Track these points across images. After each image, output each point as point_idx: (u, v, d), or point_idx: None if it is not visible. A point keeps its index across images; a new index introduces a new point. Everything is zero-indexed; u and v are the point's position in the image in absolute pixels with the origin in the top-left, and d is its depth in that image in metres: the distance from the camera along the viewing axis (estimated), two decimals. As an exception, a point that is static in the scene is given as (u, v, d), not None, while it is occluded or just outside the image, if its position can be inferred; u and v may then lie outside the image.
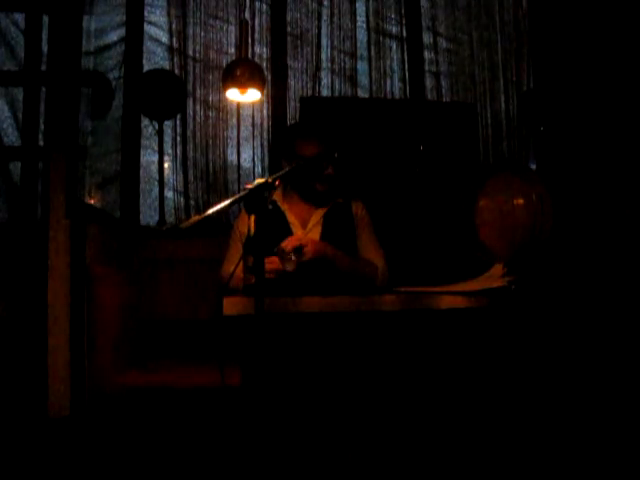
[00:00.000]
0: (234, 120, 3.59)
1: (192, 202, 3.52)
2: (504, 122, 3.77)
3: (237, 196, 1.39)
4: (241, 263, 1.66)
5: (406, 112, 3.23)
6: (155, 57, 3.60)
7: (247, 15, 3.60)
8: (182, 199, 3.52)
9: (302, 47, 3.67)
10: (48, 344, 2.21)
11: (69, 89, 2.44)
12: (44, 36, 3.11)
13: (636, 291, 1.78)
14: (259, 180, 1.41)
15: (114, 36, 3.53)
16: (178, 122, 3.52)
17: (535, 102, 3.65)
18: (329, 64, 3.70)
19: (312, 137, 2.01)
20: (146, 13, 3.57)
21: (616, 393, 1.69)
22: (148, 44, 3.58)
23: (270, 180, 1.43)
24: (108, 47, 3.53)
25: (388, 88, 3.75)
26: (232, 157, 3.60)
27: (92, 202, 3.47)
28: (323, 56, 3.70)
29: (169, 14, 3.55)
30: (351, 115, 3.09)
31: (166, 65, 3.55)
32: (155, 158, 3.49)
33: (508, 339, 1.66)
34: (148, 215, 3.55)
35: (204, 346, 2.53)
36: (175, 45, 3.55)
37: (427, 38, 3.80)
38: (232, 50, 3.58)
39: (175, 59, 3.54)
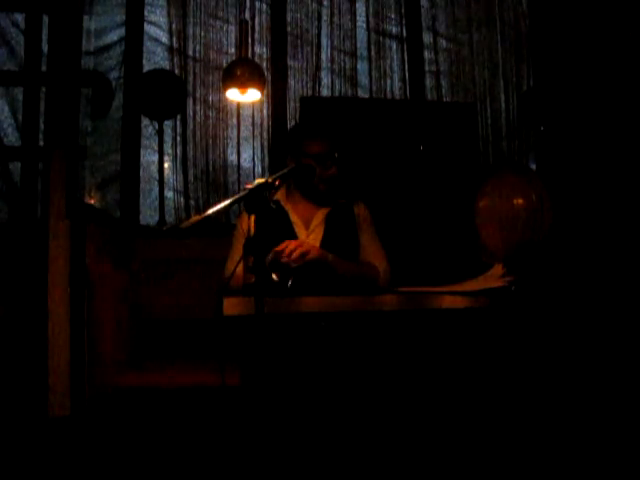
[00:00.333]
0: (234, 120, 3.59)
1: (192, 202, 3.52)
2: (504, 122, 3.78)
3: (237, 196, 1.39)
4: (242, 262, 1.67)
5: (406, 112, 3.23)
6: (155, 57, 3.60)
7: (247, 15, 3.60)
8: (182, 199, 3.52)
9: (302, 47, 3.67)
10: (48, 344, 2.21)
11: (69, 89, 2.44)
12: (44, 36, 3.11)
13: (636, 291, 1.78)
14: (259, 180, 1.41)
15: (114, 36, 3.53)
16: (178, 122, 3.52)
17: (535, 102, 3.65)
18: (329, 64, 3.70)
19: (320, 135, 2.02)
20: (146, 13, 3.57)
21: (616, 392, 1.69)
22: (148, 44, 3.58)
23: (270, 180, 1.43)
24: (108, 47, 3.53)
25: (388, 88, 3.75)
26: (232, 157, 3.60)
27: (92, 202, 3.47)
28: (323, 56, 3.70)
29: (169, 14, 3.55)
30: (351, 115, 3.09)
31: (166, 65, 3.55)
32: (155, 158, 3.49)
33: (508, 339, 1.66)
34: (148, 215, 3.55)
35: (204, 346, 2.53)
36: (175, 45, 3.54)
37: (427, 38, 3.80)
38: (232, 50, 3.58)
39: (175, 59, 3.54)
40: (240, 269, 1.59)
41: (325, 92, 3.69)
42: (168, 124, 3.47)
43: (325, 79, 3.70)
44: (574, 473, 1.62)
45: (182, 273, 3.12)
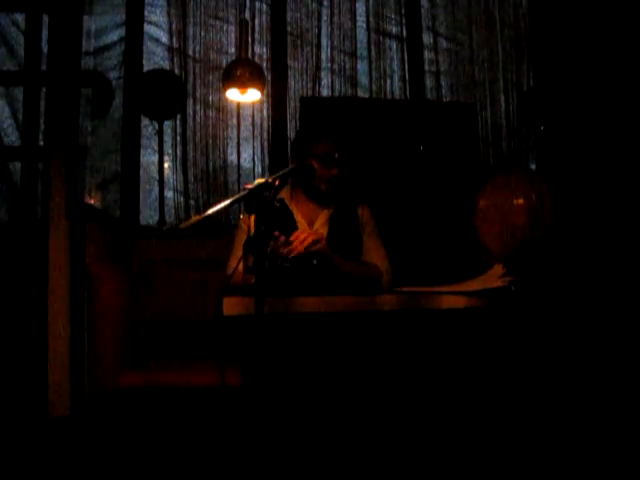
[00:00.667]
0: (234, 120, 3.59)
1: (192, 202, 3.52)
2: (504, 122, 3.77)
3: (237, 196, 1.40)
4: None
5: (406, 112, 3.23)
6: (155, 57, 3.60)
7: (247, 15, 3.60)
8: (182, 199, 3.52)
9: (302, 47, 3.67)
10: (48, 344, 2.21)
11: (69, 89, 2.44)
12: (44, 36, 3.11)
13: (636, 291, 1.78)
14: (259, 180, 1.41)
15: (114, 36, 3.53)
16: (178, 122, 3.52)
17: (535, 102, 3.65)
18: (329, 64, 3.70)
19: (325, 136, 2.04)
20: (146, 13, 3.57)
21: (616, 392, 1.69)
22: (148, 44, 3.58)
23: (270, 180, 1.43)
24: (108, 47, 3.53)
25: (388, 88, 3.75)
26: (232, 157, 3.60)
27: (92, 202, 3.47)
28: (323, 56, 3.70)
29: (169, 14, 3.55)
30: (351, 115, 3.09)
31: (166, 65, 3.55)
32: (155, 158, 3.49)
33: (508, 339, 1.66)
34: (148, 215, 3.56)
35: (204, 346, 2.53)
36: (175, 45, 3.54)
37: (427, 38, 3.80)
38: (232, 50, 3.58)
39: (175, 59, 3.54)
40: (241, 268, 1.59)
41: (325, 92, 3.69)
42: (168, 124, 3.47)
43: (325, 79, 3.70)
44: (574, 473, 1.62)
45: (182, 273, 3.12)
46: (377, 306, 1.57)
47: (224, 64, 3.46)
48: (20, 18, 3.30)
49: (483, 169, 3.37)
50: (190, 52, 3.56)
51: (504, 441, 1.63)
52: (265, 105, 3.59)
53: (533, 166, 3.76)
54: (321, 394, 1.58)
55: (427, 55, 3.79)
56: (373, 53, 3.75)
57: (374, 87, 3.74)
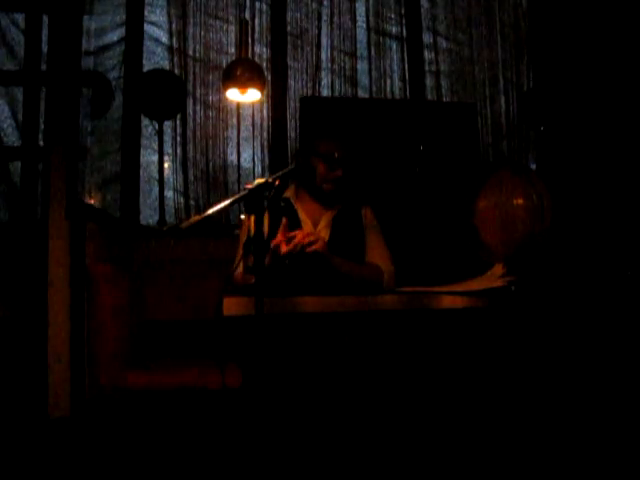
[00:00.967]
0: (234, 120, 3.59)
1: (192, 202, 3.52)
2: (504, 122, 3.78)
3: (237, 196, 1.39)
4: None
5: (406, 112, 3.22)
6: (155, 57, 3.60)
7: (247, 15, 3.60)
8: (182, 199, 3.52)
9: (302, 47, 3.67)
10: (48, 344, 2.21)
11: (69, 89, 2.44)
12: (44, 36, 3.11)
13: (636, 290, 1.78)
14: (259, 180, 1.41)
15: (114, 36, 3.53)
16: (178, 122, 3.52)
17: (535, 102, 3.64)
18: (329, 64, 3.70)
19: (332, 136, 2.04)
20: (146, 13, 3.57)
21: (616, 392, 1.69)
22: (148, 44, 3.58)
23: (270, 180, 1.43)
24: (108, 47, 3.52)
25: (388, 88, 3.75)
26: (232, 157, 3.60)
27: (92, 202, 3.47)
28: (323, 56, 3.70)
29: (169, 14, 3.55)
30: (351, 115, 3.09)
31: (166, 65, 3.55)
32: (155, 158, 3.49)
33: (508, 339, 1.66)
34: (148, 215, 3.55)
35: (204, 346, 2.53)
36: (175, 45, 3.54)
37: (427, 38, 3.80)
38: (232, 50, 3.58)
39: (175, 59, 3.54)
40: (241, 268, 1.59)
41: (325, 92, 3.69)
42: (168, 124, 3.47)
43: (325, 79, 3.70)
44: (574, 473, 1.62)
45: (182, 273, 3.12)
46: (377, 306, 1.57)
47: (224, 64, 3.46)
48: (20, 18, 3.30)
49: (483, 169, 3.37)
50: (190, 52, 3.56)
51: (504, 440, 1.63)
52: (265, 105, 3.59)
53: (533, 166, 3.76)
54: (321, 394, 1.58)
55: (427, 55, 3.79)
56: (373, 53, 3.75)
57: (374, 87, 3.74)
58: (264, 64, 3.57)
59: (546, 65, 3.61)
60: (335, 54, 3.71)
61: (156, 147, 3.45)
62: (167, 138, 3.47)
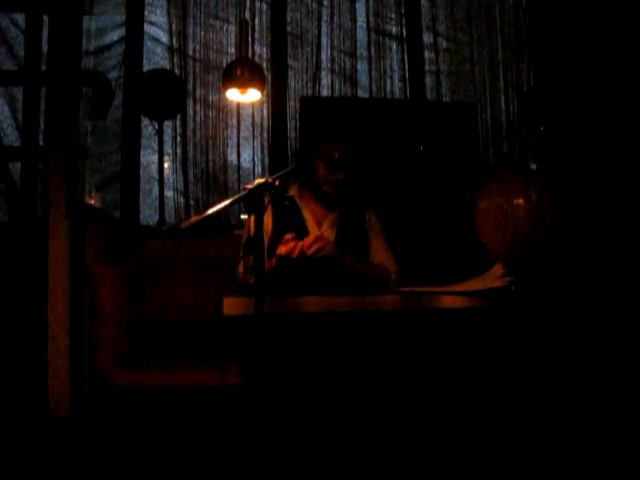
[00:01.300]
0: (234, 120, 3.59)
1: (192, 202, 3.52)
2: (504, 122, 3.78)
3: (237, 196, 1.39)
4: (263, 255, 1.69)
5: (406, 112, 3.22)
6: (155, 57, 3.61)
7: (247, 15, 3.60)
8: (182, 199, 3.52)
9: (302, 47, 3.67)
10: (48, 344, 2.21)
11: (69, 89, 2.44)
12: (44, 36, 3.11)
13: (636, 291, 1.78)
14: (259, 180, 1.41)
15: (114, 36, 3.53)
16: (178, 122, 3.52)
17: (535, 102, 3.65)
18: (329, 64, 3.70)
19: (335, 139, 2.05)
20: (146, 13, 3.57)
21: (616, 392, 1.69)
22: (148, 44, 3.58)
23: (270, 180, 1.43)
24: (108, 47, 3.53)
25: (388, 88, 3.75)
26: (232, 157, 3.60)
27: (92, 202, 3.47)
28: (323, 56, 3.70)
29: (169, 14, 3.56)
30: (351, 115, 3.09)
31: (166, 65, 3.55)
32: (155, 158, 3.50)
33: (508, 339, 1.66)
34: (148, 215, 3.56)
35: (204, 346, 2.53)
36: (175, 45, 3.55)
37: (427, 38, 3.80)
38: (232, 50, 3.58)
39: (175, 59, 3.54)
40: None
41: (325, 92, 3.70)
42: (168, 124, 3.48)
43: (325, 79, 3.71)
44: (574, 473, 1.62)
45: (182, 273, 3.12)
46: (377, 306, 1.57)
47: (224, 64, 3.46)
48: (20, 18, 3.30)
49: (483, 169, 3.37)
50: (190, 52, 3.56)
51: (504, 440, 1.63)
52: (265, 105, 3.60)
53: (533, 166, 3.76)
54: (321, 394, 1.58)
55: (427, 55, 3.80)
56: (373, 53, 3.75)
57: (374, 87, 3.74)
58: (264, 64, 3.57)
59: (546, 65, 3.61)
60: (335, 54, 3.71)
61: (156, 147, 3.46)
62: (167, 138, 3.48)
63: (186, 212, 3.51)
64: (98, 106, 3.40)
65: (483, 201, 2.35)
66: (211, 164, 3.55)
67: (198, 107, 3.55)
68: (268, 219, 2.03)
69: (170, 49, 3.55)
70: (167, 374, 2.28)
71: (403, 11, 3.79)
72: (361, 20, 3.76)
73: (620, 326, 1.72)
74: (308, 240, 1.77)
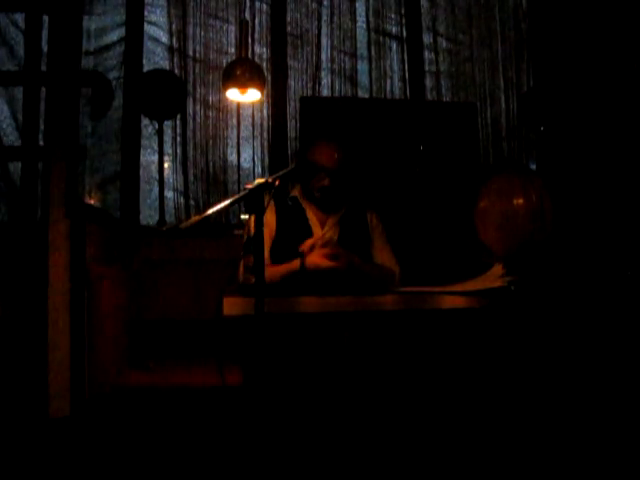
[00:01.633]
0: (234, 120, 3.59)
1: (192, 202, 3.52)
2: (504, 122, 3.78)
3: (237, 196, 1.39)
4: (267, 252, 1.78)
5: (406, 112, 3.22)
6: (155, 57, 3.60)
7: (247, 15, 3.60)
8: (182, 199, 3.52)
9: (302, 47, 3.67)
10: (48, 344, 2.21)
11: (69, 89, 2.44)
12: (44, 36, 3.11)
13: (636, 291, 1.78)
14: (259, 180, 1.41)
15: (114, 36, 3.53)
16: (178, 122, 3.52)
17: (535, 102, 3.64)
18: (329, 64, 3.70)
19: (326, 145, 2.04)
20: (146, 13, 3.57)
21: (616, 392, 1.69)
22: (148, 44, 3.58)
23: (270, 180, 1.43)
24: (108, 47, 3.53)
25: (388, 88, 3.75)
26: (232, 157, 3.60)
27: (92, 202, 3.47)
28: (323, 56, 3.70)
29: (169, 14, 3.55)
30: (351, 115, 3.09)
31: (166, 65, 3.55)
32: (155, 158, 3.49)
33: (508, 339, 1.66)
34: (148, 215, 3.56)
35: (204, 346, 2.53)
36: (175, 45, 3.55)
37: (427, 38, 3.80)
38: (232, 50, 3.58)
39: (175, 59, 3.54)
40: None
41: (325, 92, 3.69)
42: (168, 124, 3.47)
43: (325, 79, 3.70)
44: (574, 473, 1.62)
45: (182, 273, 3.12)
46: (377, 306, 1.57)
47: (224, 64, 3.46)
48: (20, 18, 3.29)
49: (483, 169, 3.37)
50: (190, 52, 3.56)
51: (504, 440, 1.63)
52: (265, 105, 3.59)
53: (533, 166, 3.76)
54: (321, 394, 1.58)
55: (427, 55, 3.79)
56: (373, 53, 3.75)
57: (374, 87, 3.74)
58: (264, 64, 3.57)
59: (546, 65, 3.61)
60: (335, 54, 3.71)
61: (156, 147, 3.45)
62: (167, 138, 3.48)
63: (186, 212, 3.51)
64: (98, 106, 3.40)
65: (483, 201, 2.34)
66: (211, 164, 3.55)
67: (198, 107, 3.55)
68: (271, 219, 2.03)
69: (170, 49, 3.55)
70: (167, 374, 2.28)
71: (403, 11, 3.79)
72: (361, 20, 3.76)
73: (620, 326, 1.72)
74: (324, 250, 1.81)
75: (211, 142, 3.55)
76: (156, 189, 3.47)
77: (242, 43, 3.37)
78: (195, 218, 1.40)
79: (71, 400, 2.19)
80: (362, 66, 3.75)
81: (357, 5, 3.75)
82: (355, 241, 2.08)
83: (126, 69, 3.48)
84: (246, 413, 1.36)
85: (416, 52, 3.77)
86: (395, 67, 3.77)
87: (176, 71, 3.51)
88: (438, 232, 2.87)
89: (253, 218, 1.36)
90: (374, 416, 1.60)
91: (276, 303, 1.48)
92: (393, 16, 3.79)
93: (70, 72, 2.45)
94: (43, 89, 3.13)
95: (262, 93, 3.37)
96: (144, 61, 3.54)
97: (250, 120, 3.61)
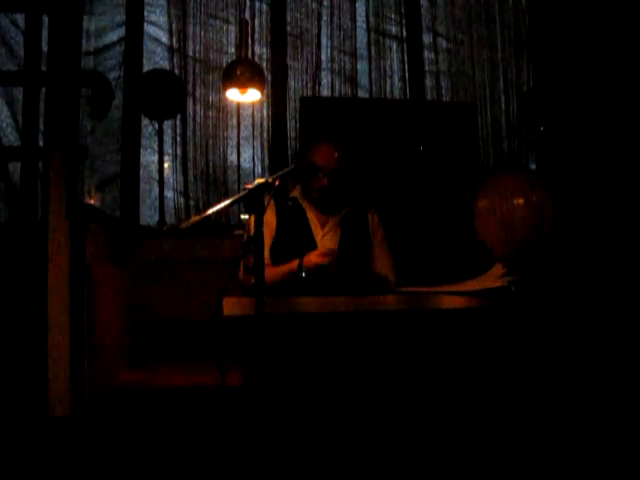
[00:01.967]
0: (234, 120, 3.59)
1: (192, 202, 3.52)
2: (504, 122, 3.77)
3: (237, 196, 1.39)
4: (266, 250, 1.76)
5: (406, 112, 3.22)
6: (155, 57, 3.60)
7: (247, 15, 3.60)
8: (182, 199, 3.52)
9: (302, 47, 3.67)
10: (48, 344, 2.21)
11: (69, 89, 2.44)
12: (44, 36, 3.11)
13: (636, 291, 1.78)
14: (259, 180, 1.41)
15: (114, 36, 3.53)
16: (178, 122, 3.52)
17: (535, 102, 3.64)
18: (329, 64, 3.70)
19: (324, 145, 2.04)
20: (146, 13, 3.56)
21: (615, 392, 1.69)
22: (148, 44, 3.58)
23: (270, 180, 1.43)
24: (108, 47, 3.52)
25: (388, 88, 3.75)
26: (232, 157, 3.60)
27: (92, 202, 3.47)
28: (323, 56, 3.70)
29: (169, 14, 3.55)
30: (351, 115, 3.09)
31: (166, 65, 3.54)
32: (155, 158, 3.49)
33: (508, 339, 1.66)
34: (148, 215, 3.56)
35: (204, 346, 2.53)
36: (175, 45, 3.54)
37: (427, 38, 3.80)
38: (232, 50, 3.58)
39: (175, 59, 3.54)
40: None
41: (325, 92, 3.69)
42: (168, 124, 3.47)
43: (325, 79, 3.70)
44: (574, 473, 1.62)
45: (182, 273, 3.11)
46: (377, 306, 1.57)
47: (224, 64, 3.46)
48: (20, 18, 3.30)
49: (483, 169, 3.37)
50: (190, 52, 3.55)
51: (504, 440, 1.63)
52: (265, 105, 3.59)
53: (533, 166, 3.76)
54: (321, 394, 1.58)
55: (427, 55, 3.79)
56: (373, 53, 3.75)
57: (374, 87, 3.74)
58: (264, 64, 3.57)
59: (546, 65, 3.61)
60: (335, 54, 3.71)
61: (156, 147, 3.45)
62: (167, 138, 3.47)
63: (186, 212, 3.51)
64: (98, 106, 3.40)
65: (483, 201, 2.35)
66: (211, 164, 3.55)
67: (198, 107, 3.54)
68: (272, 219, 2.04)
69: (170, 49, 3.55)
70: (167, 374, 2.27)
71: (403, 11, 3.78)
72: (361, 20, 3.76)
73: (620, 326, 1.72)
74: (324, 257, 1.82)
75: (211, 142, 3.55)
76: (156, 189, 3.47)
77: (242, 43, 3.37)
78: (195, 218, 1.40)
79: (71, 400, 2.19)
80: (362, 66, 3.75)
81: (357, 5, 3.75)
82: (356, 243, 2.08)
83: (126, 69, 3.48)
84: (246, 413, 1.36)
85: (416, 52, 3.77)
86: (395, 67, 3.77)
87: (176, 71, 3.51)
88: (438, 232, 2.87)
89: (253, 218, 1.36)
90: (374, 416, 1.60)
91: (276, 303, 1.48)
92: (393, 16, 3.79)
93: (70, 72, 2.45)
94: (43, 89, 3.13)
95: (262, 93, 3.37)
96: (144, 61, 3.54)
97: (250, 120, 3.61)
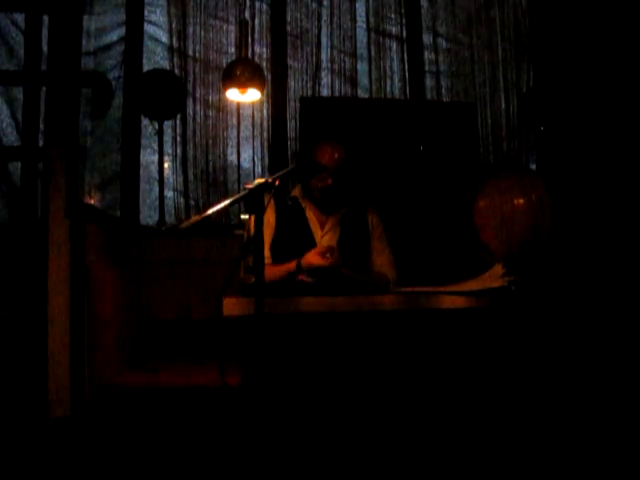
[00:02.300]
0: (234, 120, 3.59)
1: (192, 202, 3.52)
2: (504, 122, 3.78)
3: (237, 196, 1.39)
4: (267, 248, 1.84)
5: (406, 112, 3.22)
6: (155, 57, 3.61)
7: (247, 15, 3.60)
8: (182, 199, 3.52)
9: (302, 47, 3.67)
10: (48, 344, 2.21)
11: (69, 89, 2.44)
12: (44, 36, 3.11)
13: (636, 290, 1.78)
14: (259, 180, 1.41)
15: (114, 36, 3.53)
16: (178, 122, 3.52)
17: (535, 102, 3.64)
18: (329, 64, 3.70)
19: (328, 145, 2.04)
20: (146, 13, 3.57)
21: (615, 392, 1.69)
22: (148, 44, 3.58)
23: (270, 180, 1.43)
24: (108, 47, 3.53)
25: (388, 88, 3.75)
26: (232, 157, 3.60)
27: (92, 202, 3.47)
28: (323, 56, 3.70)
29: (169, 14, 3.55)
30: (351, 115, 3.09)
31: (166, 65, 3.55)
32: (155, 158, 3.50)
33: (508, 339, 1.66)
34: (148, 215, 3.56)
35: (204, 346, 2.53)
36: (175, 45, 3.54)
37: (427, 38, 3.80)
38: (232, 50, 3.58)
39: (175, 59, 3.54)
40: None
41: (325, 92, 3.69)
42: (168, 124, 3.47)
43: (325, 79, 3.70)
44: (574, 473, 1.62)
45: (182, 273, 3.12)
46: (377, 306, 1.57)
47: (224, 64, 3.46)
48: (20, 18, 3.30)
49: (483, 169, 3.37)
50: (190, 52, 3.55)
51: (504, 440, 1.63)
52: (265, 105, 3.59)
53: (533, 166, 3.76)
54: (321, 394, 1.58)
55: (427, 55, 3.79)
56: (373, 53, 3.75)
57: (374, 87, 3.74)
58: (264, 64, 3.57)
59: (546, 65, 3.61)
60: (335, 54, 3.71)
61: (156, 147, 3.46)
62: (167, 138, 3.48)
63: (186, 212, 3.51)
64: (98, 106, 3.40)
65: (483, 201, 2.35)
66: (211, 164, 3.55)
67: (198, 107, 3.55)
68: (271, 218, 2.04)
69: (170, 49, 3.55)
70: (167, 374, 2.28)
71: (403, 11, 3.79)
72: (361, 20, 3.76)
73: (620, 326, 1.72)
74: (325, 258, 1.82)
75: (211, 142, 3.55)
76: (156, 189, 3.47)
77: (242, 43, 3.37)
78: (195, 218, 1.40)
79: (71, 400, 2.19)
80: (362, 66, 3.75)
81: (357, 5, 3.75)
82: (355, 242, 2.08)
83: (126, 69, 3.48)
84: (246, 413, 1.36)
85: (416, 52, 3.77)
86: (395, 67, 3.77)
87: (176, 71, 3.51)
88: (438, 232, 2.87)
89: (253, 218, 1.36)
90: (374, 416, 1.60)
91: (276, 303, 1.48)
92: (393, 16, 3.79)
93: (70, 72, 2.45)
94: (43, 89, 3.13)
95: (262, 93, 3.37)
96: (144, 61, 3.54)
97: (250, 120, 3.61)
